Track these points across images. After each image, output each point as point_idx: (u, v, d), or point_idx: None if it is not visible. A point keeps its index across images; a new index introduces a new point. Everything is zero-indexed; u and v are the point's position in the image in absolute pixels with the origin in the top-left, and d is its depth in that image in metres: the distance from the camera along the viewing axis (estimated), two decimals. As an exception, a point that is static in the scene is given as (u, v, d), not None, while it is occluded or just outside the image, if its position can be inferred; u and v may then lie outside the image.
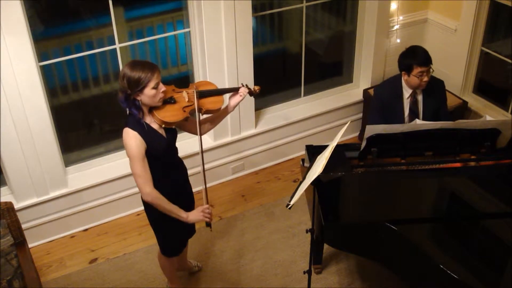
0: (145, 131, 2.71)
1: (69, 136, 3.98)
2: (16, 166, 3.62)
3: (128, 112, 2.75)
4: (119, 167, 4.03)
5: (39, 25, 3.54)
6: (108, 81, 3.98)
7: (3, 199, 3.57)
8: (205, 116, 3.05)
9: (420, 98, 3.59)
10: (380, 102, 3.62)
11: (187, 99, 2.84)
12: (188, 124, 2.97)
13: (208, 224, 2.89)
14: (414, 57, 3.44)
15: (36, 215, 3.86)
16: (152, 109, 2.75)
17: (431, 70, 3.45)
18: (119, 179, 4.00)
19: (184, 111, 2.81)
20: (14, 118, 3.45)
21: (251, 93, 3.09)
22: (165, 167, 2.87)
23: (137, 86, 2.62)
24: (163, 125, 2.79)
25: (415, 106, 3.59)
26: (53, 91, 3.78)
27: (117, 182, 4.02)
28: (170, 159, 2.92)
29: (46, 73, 3.63)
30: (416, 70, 3.41)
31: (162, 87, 2.70)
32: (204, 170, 2.89)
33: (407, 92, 3.57)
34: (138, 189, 2.81)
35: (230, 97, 3.04)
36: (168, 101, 2.78)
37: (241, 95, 3.00)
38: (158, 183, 2.82)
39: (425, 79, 3.44)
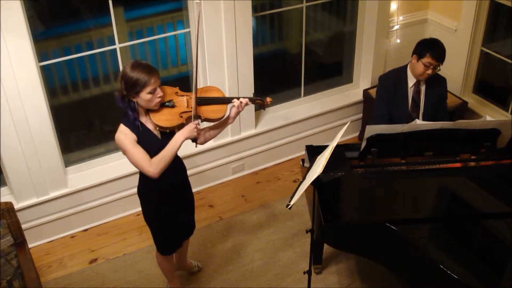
0: (138, 131, 2.71)
1: (69, 136, 3.98)
2: (16, 166, 3.62)
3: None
4: (119, 167, 4.03)
5: (39, 25, 3.53)
6: (108, 81, 3.98)
7: (3, 199, 3.57)
8: (207, 124, 2.98)
9: (423, 89, 3.65)
10: (385, 89, 3.67)
11: (186, 105, 2.78)
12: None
13: (195, 140, 2.82)
14: (432, 47, 3.49)
15: (36, 215, 3.86)
16: (149, 109, 2.73)
17: (438, 68, 3.50)
18: (119, 179, 4.01)
19: (181, 116, 2.76)
20: (14, 118, 3.45)
21: (262, 104, 3.02)
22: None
23: (133, 88, 2.61)
24: (157, 128, 2.76)
25: (417, 96, 3.63)
26: (53, 91, 3.78)
27: (117, 182, 4.02)
28: None
29: (46, 73, 3.63)
30: (427, 59, 3.46)
31: (159, 93, 2.66)
32: (195, 89, 2.75)
33: (411, 81, 3.63)
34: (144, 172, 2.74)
35: (230, 108, 2.97)
36: (166, 104, 2.74)
37: (234, 105, 2.89)
38: (154, 183, 2.81)
39: (429, 71, 3.50)
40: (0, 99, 3.36)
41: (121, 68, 3.80)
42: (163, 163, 2.70)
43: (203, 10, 3.74)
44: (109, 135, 4.13)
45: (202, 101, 2.83)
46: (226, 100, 2.91)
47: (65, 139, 3.92)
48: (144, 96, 2.64)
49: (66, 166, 3.96)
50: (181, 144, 2.72)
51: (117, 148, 4.13)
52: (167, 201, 2.96)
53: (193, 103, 2.76)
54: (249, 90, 4.20)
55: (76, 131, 4.05)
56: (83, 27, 3.72)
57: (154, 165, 2.68)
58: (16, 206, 3.61)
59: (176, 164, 2.97)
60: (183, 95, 2.81)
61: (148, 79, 2.60)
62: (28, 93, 3.43)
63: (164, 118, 2.72)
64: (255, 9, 4.14)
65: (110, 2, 3.55)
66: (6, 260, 3.10)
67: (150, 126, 2.77)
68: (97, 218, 4.11)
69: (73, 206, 3.97)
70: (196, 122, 2.74)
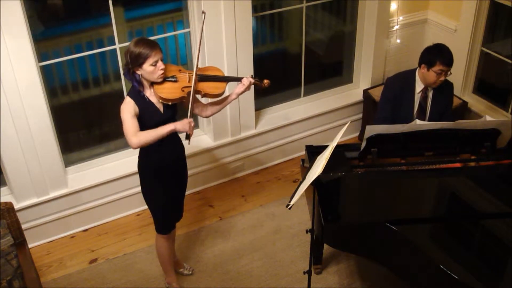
0: (142, 102, 2.91)
1: (69, 136, 3.98)
2: (16, 166, 3.62)
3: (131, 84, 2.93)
4: (119, 167, 4.03)
5: (39, 25, 3.53)
6: (108, 81, 3.98)
7: (3, 199, 3.57)
8: (210, 100, 3.19)
9: (430, 94, 3.62)
10: (392, 91, 3.65)
11: (188, 80, 3.01)
12: (187, 103, 3.10)
13: (188, 137, 3.00)
14: (441, 54, 3.46)
15: (36, 215, 3.86)
16: (153, 83, 2.92)
17: (449, 73, 3.48)
18: (119, 179, 4.00)
19: (183, 90, 2.97)
20: (14, 118, 3.45)
21: (259, 86, 3.20)
22: (159, 140, 2.96)
23: (137, 61, 2.81)
24: (160, 101, 2.95)
25: (424, 101, 3.62)
26: (53, 91, 3.78)
27: (117, 182, 4.02)
28: None
29: (46, 73, 3.63)
30: (438, 67, 3.43)
31: (161, 65, 2.86)
32: (192, 93, 2.97)
33: (419, 87, 3.60)
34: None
35: (238, 85, 3.15)
36: (169, 79, 2.96)
37: (243, 85, 3.11)
38: (149, 155, 3.01)
39: (442, 78, 3.47)
40: (0, 99, 3.36)
41: (121, 68, 3.80)
42: (145, 140, 2.86)
43: (203, 10, 3.74)
44: (109, 135, 4.13)
45: (202, 78, 3.06)
46: (226, 79, 3.16)
47: (65, 139, 3.92)
48: (147, 68, 2.83)
49: (66, 166, 3.96)
50: (168, 132, 2.88)
51: (117, 148, 4.13)
52: (162, 176, 3.11)
53: (193, 78, 2.99)
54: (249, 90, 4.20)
55: (76, 131, 4.05)
56: (83, 27, 3.72)
57: (138, 138, 2.85)
58: (16, 206, 3.61)
59: (173, 142, 3.13)
60: (185, 72, 3.05)
61: (149, 52, 2.80)
62: (28, 93, 3.43)
63: (167, 91, 2.93)
64: (255, 9, 4.14)
65: (110, 2, 3.56)
66: (6, 260, 3.09)
67: (153, 99, 2.96)
68: (97, 218, 4.11)
69: (73, 206, 3.97)
70: (191, 120, 2.95)
